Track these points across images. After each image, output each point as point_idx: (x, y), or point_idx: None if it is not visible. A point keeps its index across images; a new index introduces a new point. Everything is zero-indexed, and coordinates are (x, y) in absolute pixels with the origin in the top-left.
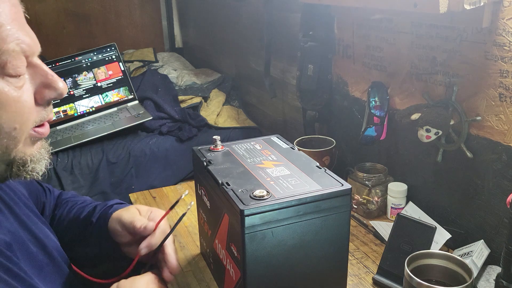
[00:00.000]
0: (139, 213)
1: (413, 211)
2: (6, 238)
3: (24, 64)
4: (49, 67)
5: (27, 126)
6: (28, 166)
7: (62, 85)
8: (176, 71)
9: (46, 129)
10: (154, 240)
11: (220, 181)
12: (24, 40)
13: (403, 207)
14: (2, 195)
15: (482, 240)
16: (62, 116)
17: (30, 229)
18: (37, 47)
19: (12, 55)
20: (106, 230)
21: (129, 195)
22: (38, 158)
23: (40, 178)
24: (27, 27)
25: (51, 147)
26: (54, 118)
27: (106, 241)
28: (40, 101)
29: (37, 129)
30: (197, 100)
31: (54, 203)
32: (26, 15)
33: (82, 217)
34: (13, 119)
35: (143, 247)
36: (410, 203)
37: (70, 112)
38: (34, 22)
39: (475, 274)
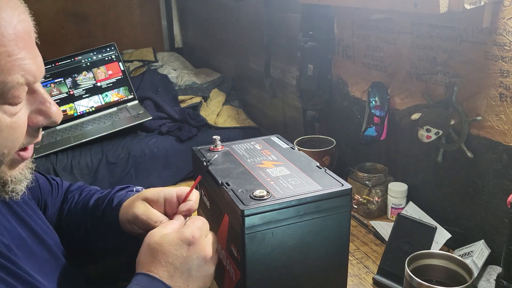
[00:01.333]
0: (149, 205)
1: (413, 211)
2: (4, 239)
3: (24, 93)
4: (48, 67)
5: (14, 150)
6: (9, 186)
7: (56, 112)
8: (176, 71)
9: (29, 153)
10: (195, 204)
11: (220, 181)
12: (30, 70)
13: (403, 207)
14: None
15: (483, 240)
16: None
17: (30, 227)
18: (41, 74)
19: (15, 86)
20: (118, 224)
21: None
22: (19, 178)
23: (19, 198)
24: (36, 52)
25: (35, 165)
26: None
27: (123, 233)
28: (31, 125)
29: (21, 152)
30: (197, 100)
31: (62, 197)
32: (37, 41)
33: (89, 211)
34: (4, 144)
35: (184, 210)
36: (410, 203)
37: (69, 112)
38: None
39: (475, 274)
